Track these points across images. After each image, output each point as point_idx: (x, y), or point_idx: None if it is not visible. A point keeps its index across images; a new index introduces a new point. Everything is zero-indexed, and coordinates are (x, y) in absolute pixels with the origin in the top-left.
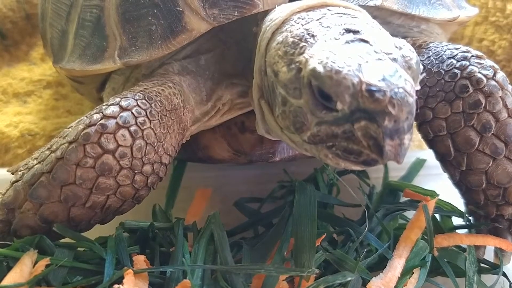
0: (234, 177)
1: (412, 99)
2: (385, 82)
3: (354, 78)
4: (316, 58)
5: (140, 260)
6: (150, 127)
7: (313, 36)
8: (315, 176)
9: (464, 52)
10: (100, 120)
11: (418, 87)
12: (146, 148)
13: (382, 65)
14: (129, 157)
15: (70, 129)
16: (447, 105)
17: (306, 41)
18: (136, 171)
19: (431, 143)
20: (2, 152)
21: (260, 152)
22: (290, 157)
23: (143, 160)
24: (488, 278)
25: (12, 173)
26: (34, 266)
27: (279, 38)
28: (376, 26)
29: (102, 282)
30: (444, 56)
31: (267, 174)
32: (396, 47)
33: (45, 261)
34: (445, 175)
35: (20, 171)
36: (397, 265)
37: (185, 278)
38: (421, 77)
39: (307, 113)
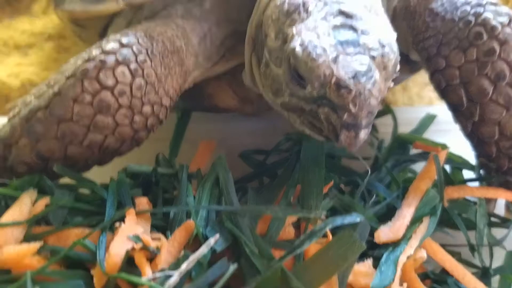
0: (240, 129)
1: (375, 102)
2: (354, 80)
3: (327, 70)
4: (300, 38)
5: (143, 202)
6: (151, 66)
7: (307, 11)
8: None
9: None
10: (99, 56)
11: (391, 84)
12: (146, 88)
13: (358, 61)
14: (128, 95)
15: (69, 64)
16: (461, 53)
17: (298, 14)
18: (135, 111)
19: (443, 92)
20: (2, 102)
21: (266, 100)
22: None
23: (143, 100)
24: (498, 232)
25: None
26: (33, 205)
27: (278, 1)
28: (374, 10)
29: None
30: (458, 2)
31: (274, 127)
32: (380, 43)
33: (45, 200)
34: (455, 131)
35: (17, 106)
36: (406, 213)
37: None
38: (394, 76)
39: (283, 83)
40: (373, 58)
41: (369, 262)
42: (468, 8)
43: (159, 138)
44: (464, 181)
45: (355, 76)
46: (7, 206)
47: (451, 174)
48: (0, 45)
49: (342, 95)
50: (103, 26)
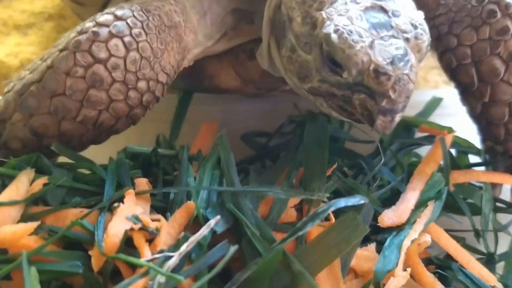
0: (242, 111)
1: (413, 86)
2: (392, 66)
3: (365, 56)
4: (333, 23)
5: (142, 182)
6: (146, 40)
7: None
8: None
9: None
10: (92, 28)
11: (422, 64)
12: (141, 62)
13: (394, 45)
14: (122, 69)
15: (63, 37)
16: (473, 31)
17: None
18: (130, 86)
19: (454, 72)
20: (1, 82)
21: (269, 80)
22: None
23: (138, 75)
24: (503, 218)
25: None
26: (31, 185)
27: None
28: None
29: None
30: None
31: (276, 109)
32: (412, 25)
33: (43, 180)
34: (459, 115)
35: (12, 81)
36: (410, 197)
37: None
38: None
39: (312, 69)
40: (407, 40)
41: (372, 246)
42: None
43: (160, 120)
44: (470, 166)
45: (393, 62)
46: (4, 186)
47: (457, 158)
48: (0, 25)
49: (381, 82)
50: (103, 4)
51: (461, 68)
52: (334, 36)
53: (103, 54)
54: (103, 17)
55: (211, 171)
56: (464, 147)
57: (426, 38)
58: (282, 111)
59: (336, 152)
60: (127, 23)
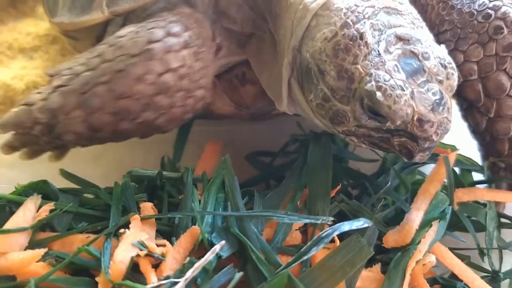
0: (246, 131)
1: (450, 125)
2: (433, 112)
3: (409, 108)
4: (373, 79)
5: (148, 207)
6: (204, 51)
7: (366, 44)
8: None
9: None
10: (165, 38)
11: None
12: (202, 71)
13: (430, 90)
14: (188, 78)
15: (124, 39)
16: (480, 47)
17: (359, 48)
18: (190, 94)
19: (460, 88)
20: (7, 105)
21: (262, 104)
22: None
23: (199, 83)
24: (508, 234)
25: (51, 75)
26: (37, 211)
27: (327, 32)
28: (417, 23)
29: (108, 228)
30: None
31: (280, 129)
32: (442, 65)
33: (49, 206)
34: (460, 131)
35: (64, 75)
36: (415, 217)
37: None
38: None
39: (350, 117)
40: (440, 82)
41: (377, 267)
42: (486, 1)
43: (165, 140)
44: (473, 183)
45: (433, 108)
46: (11, 212)
47: (461, 176)
48: (5, 48)
49: (426, 129)
50: (96, 37)
51: (468, 84)
52: (379, 94)
53: (175, 64)
54: (174, 28)
55: (216, 194)
56: (467, 164)
57: (456, 76)
58: (285, 130)
59: (341, 172)
60: (191, 35)
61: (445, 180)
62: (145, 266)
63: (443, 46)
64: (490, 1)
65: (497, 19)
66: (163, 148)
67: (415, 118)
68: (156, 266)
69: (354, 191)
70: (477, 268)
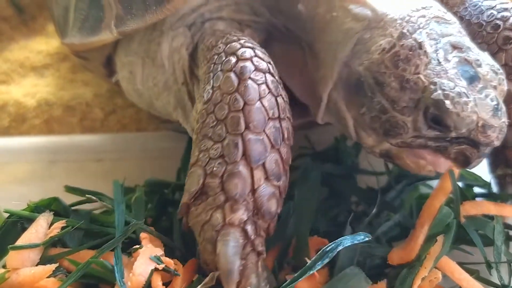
0: None
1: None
2: (494, 118)
3: (474, 115)
4: (439, 88)
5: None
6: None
7: (425, 52)
8: (336, 146)
9: (502, 3)
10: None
11: None
12: None
13: (488, 96)
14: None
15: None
16: None
17: (419, 57)
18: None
19: None
20: (19, 122)
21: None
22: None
23: None
24: None
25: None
26: (49, 228)
27: (384, 43)
28: (463, 31)
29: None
30: (482, 7)
31: None
32: (493, 71)
33: (61, 223)
34: None
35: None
36: (419, 234)
37: None
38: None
39: (410, 128)
40: (495, 88)
41: (383, 283)
42: (494, 12)
43: (171, 156)
44: (475, 198)
45: (494, 114)
46: (23, 228)
47: (464, 191)
48: (17, 66)
49: (489, 135)
50: (107, 56)
51: None
52: (447, 102)
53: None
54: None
55: None
56: (470, 180)
57: (506, 82)
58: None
59: (347, 189)
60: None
61: (450, 195)
62: (156, 283)
63: (486, 53)
64: (499, 12)
65: (506, 29)
66: (171, 165)
67: (479, 125)
68: (167, 284)
69: (360, 206)
70: (486, 282)
